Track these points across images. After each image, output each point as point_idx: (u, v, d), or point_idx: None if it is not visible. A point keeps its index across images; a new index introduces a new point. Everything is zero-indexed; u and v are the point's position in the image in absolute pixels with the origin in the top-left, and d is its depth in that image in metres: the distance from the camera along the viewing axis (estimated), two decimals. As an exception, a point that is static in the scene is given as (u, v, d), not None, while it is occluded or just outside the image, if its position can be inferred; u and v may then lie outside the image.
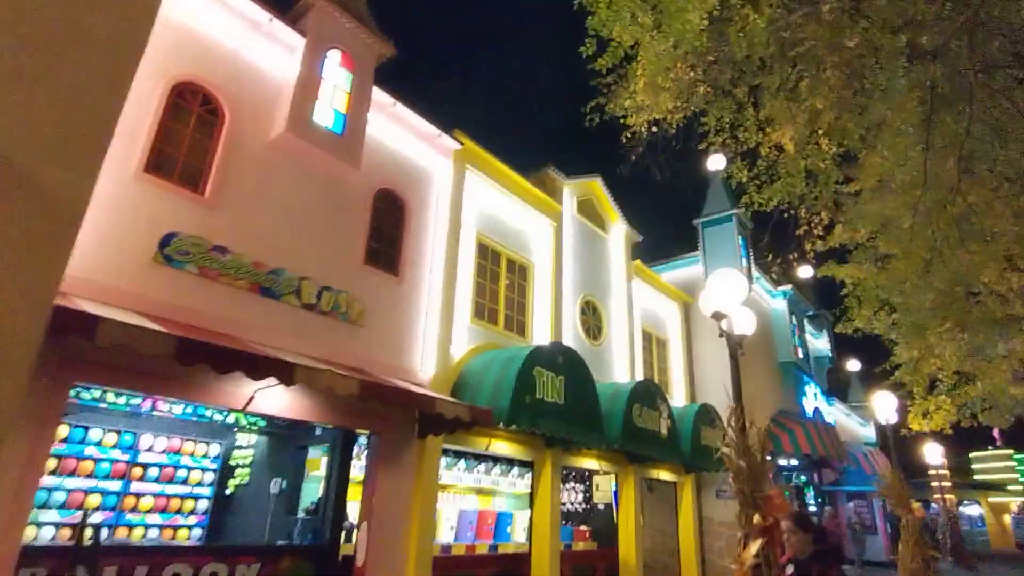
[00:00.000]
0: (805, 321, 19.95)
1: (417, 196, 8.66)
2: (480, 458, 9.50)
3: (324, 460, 7.74)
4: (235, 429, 8.13)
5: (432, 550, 7.41)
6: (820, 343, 21.83)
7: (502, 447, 8.92)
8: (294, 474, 8.13)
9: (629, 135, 6.89)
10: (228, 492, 8.15)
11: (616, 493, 11.56)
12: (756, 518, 4.89)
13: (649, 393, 10.54)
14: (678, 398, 14.10)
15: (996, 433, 40.32)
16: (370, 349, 7.41)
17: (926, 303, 8.38)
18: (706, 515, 13.56)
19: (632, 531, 11.07)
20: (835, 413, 21.62)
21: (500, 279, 9.89)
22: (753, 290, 16.54)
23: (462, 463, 8.96)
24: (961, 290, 8.19)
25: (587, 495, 11.92)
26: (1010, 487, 38.47)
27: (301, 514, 7.74)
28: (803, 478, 20.66)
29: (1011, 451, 40.64)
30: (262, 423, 7.85)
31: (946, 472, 30.07)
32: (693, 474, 13.35)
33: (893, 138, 6.76)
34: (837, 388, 24.97)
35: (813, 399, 19.05)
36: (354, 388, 5.48)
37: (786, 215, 8.80)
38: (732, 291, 5.48)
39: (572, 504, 14.02)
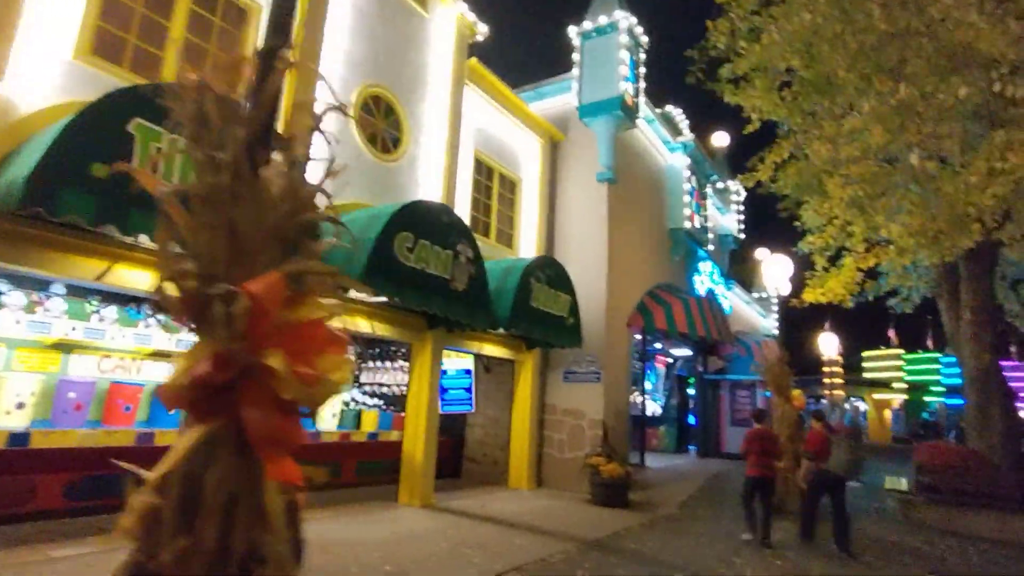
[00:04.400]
0: (709, 190, 16.98)
1: None
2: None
3: None
4: None
5: None
6: (726, 219, 19.14)
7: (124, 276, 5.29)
8: None
9: None
10: None
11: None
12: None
13: (434, 219, 6.95)
14: (526, 252, 10.85)
15: (891, 333, 41.15)
16: None
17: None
18: (549, 402, 10.83)
19: (422, 418, 8.02)
20: (733, 299, 19.40)
21: (175, 6, 5.81)
22: (642, 132, 13.14)
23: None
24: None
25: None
26: (895, 384, 39.86)
27: None
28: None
29: (901, 351, 41.80)
30: None
31: (839, 369, 29.86)
32: (536, 351, 10.42)
33: None
34: (742, 276, 22.85)
35: (708, 279, 16.49)
36: None
37: None
38: None
39: (392, 386, 11.42)
